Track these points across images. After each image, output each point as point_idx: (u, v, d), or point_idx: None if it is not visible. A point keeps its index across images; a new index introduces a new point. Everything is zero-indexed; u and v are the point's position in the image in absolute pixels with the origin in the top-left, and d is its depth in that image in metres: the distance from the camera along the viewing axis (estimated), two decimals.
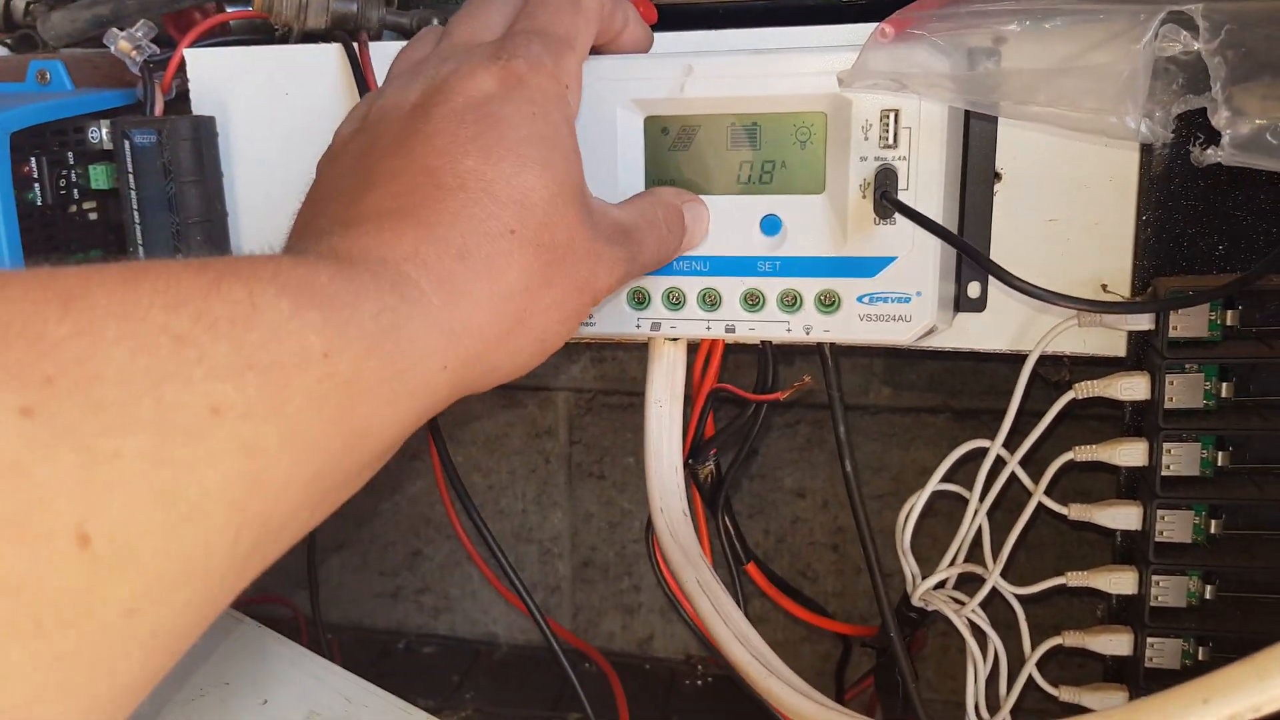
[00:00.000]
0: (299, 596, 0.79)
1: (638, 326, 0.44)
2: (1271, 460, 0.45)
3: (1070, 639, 0.48)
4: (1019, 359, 0.46)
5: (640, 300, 0.44)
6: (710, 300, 0.43)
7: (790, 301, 0.42)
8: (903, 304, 0.41)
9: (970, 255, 0.37)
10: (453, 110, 0.33)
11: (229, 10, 0.53)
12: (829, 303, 0.42)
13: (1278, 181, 0.42)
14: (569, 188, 0.33)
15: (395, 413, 0.27)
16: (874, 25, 0.41)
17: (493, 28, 0.38)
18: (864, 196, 0.40)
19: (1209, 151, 0.32)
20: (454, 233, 0.30)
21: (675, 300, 0.44)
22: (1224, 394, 0.43)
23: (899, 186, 0.39)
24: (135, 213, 0.50)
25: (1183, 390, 0.43)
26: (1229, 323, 0.42)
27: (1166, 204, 0.43)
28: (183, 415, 0.21)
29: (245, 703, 0.39)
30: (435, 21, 0.51)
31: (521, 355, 0.33)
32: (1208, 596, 0.45)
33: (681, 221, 0.41)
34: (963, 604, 0.49)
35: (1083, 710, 0.48)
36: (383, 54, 0.49)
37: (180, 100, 0.53)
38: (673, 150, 0.43)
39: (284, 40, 0.51)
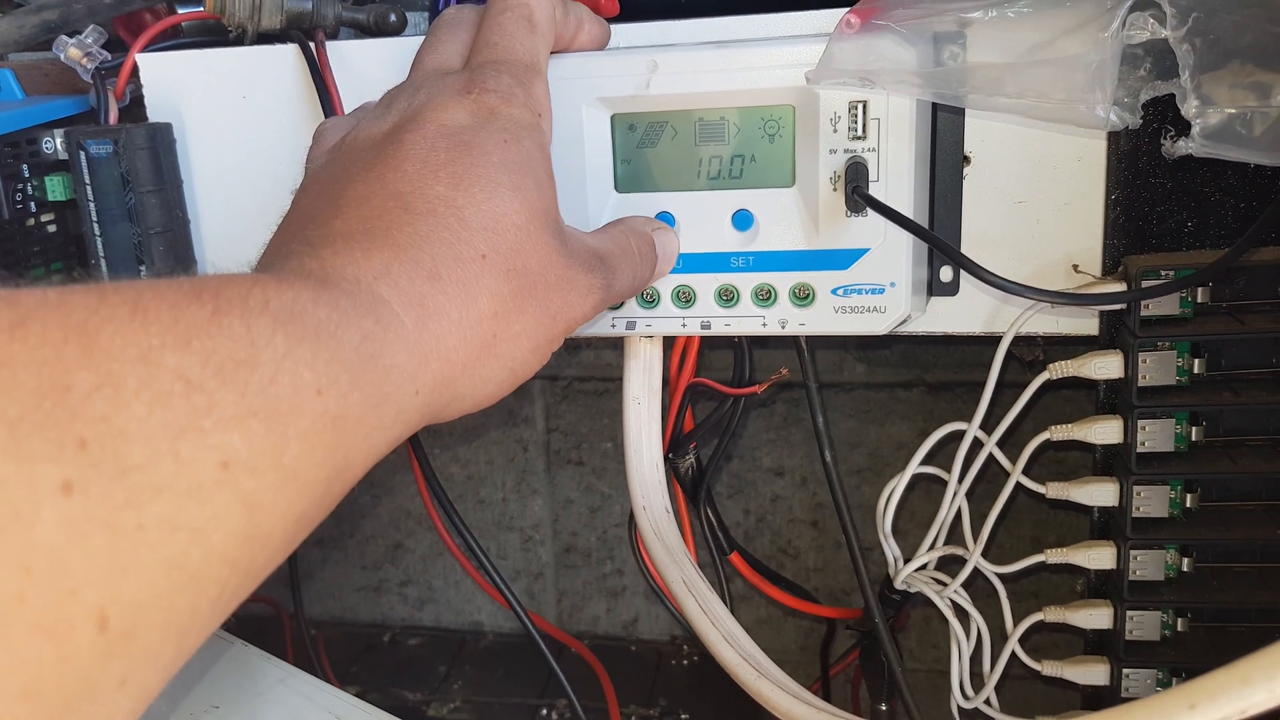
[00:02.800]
0: (281, 593, 0.79)
1: (613, 326, 0.44)
2: (1244, 433, 0.45)
3: (1051, 614, 0.49)
4: (992, 339, 0.46)
5: None
6: (684, 297, 0.43)
7: (765, 296, 0.42)
8: (877, 295, 0.41)
9: (944, 251, 0.37)
10: (424, 137, 0.33)
11: (180, 12, 0.51)
12: (804, 296, 0.42)
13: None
14: (541, 214, 0.33)
15: (372, 444, 0.27)
16: (839, 11, 0.41)
17: (457, 54, 0.38)
18: (835, 189, 0.40)
19: (1180, 143, 0.32)
20: (424, 255, 0.30)
21: (650, 299, 0.43)
22: (1197, 370, 0.43)
23: (869, 179, 0.39)
24: (95, 225, 0.49)
25: (1156, 367, 0.44)
26: (1200, 300, 0.43)
27: (1135, 183, 0.44)
28: (196, 473, 0.21)
29: None
30: (392, 17, 0.50)
31: (489, 385, 0.32)
32: (1185, 569, 0.46)
33: (653, 250, 0.41)
34: (945, 585, 0.49)
35: (1066, 684, 0.49)
36: (339, 53, 0.48)
37: (135, 105, 0.51)
38: (641, 147, 0.42)
39: (238, 42, 0.50)
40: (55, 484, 0.18)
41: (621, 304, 0.44)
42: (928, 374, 0.70)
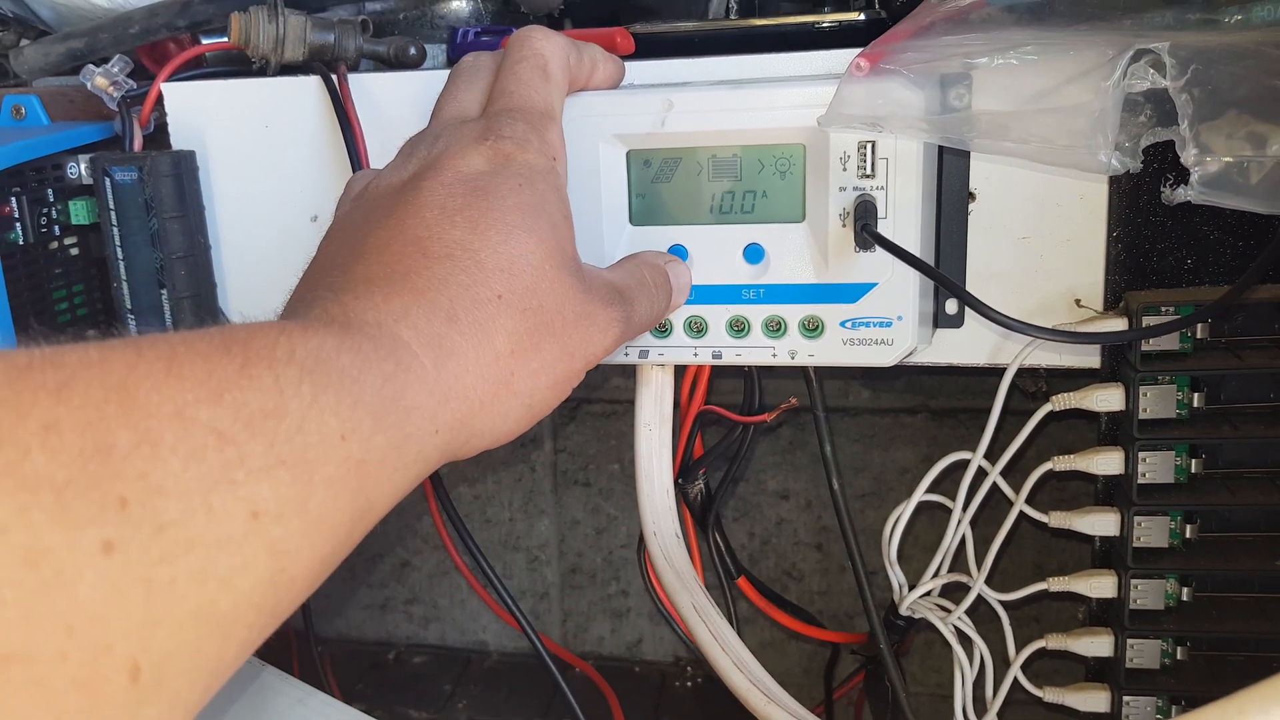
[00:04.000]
0: None
1: (626, 355, 0.45)
2: (1243, 466, 0.46)
3: (1053, 642, 0.49)
4: (996, 370, 0.47)
5: None
6: (696, 328, 0.44)
7: (775, 327, 0.43)
8: (884, 328, 0.42)
9: (949, 289, 0.38)
10: (442, 184, 0.34)
11: (204, 42, 0.53)
12: (813, 328, 0.43)
13: None
14: (557, 254, 0.34)
15: (394, 485, 0.28)
16: (849, 51, 0.42)
17: (475, 102, 0.39)
18: (844, 225, 0.41)
19: (1179, 190, 0.33)
20: (442, 297, 0.31)
21: (662, 329, 0.44)
22: (1196, 404, 0.44)
23: (878, 216, 0.40)
24: (118, 249, 0.50)
25: (1156, 401, 0.45)
26: (1200, 335, 0.44)
27: (1136, 221, 0.45)
28: (227, 525, 0.22)
29: None
30: (412, 50, 0.51)
31: (507, 421, 0.33)
32: (1185, 598, 0.47)
33: (667, 281, 0.42)
34: (949, 611, 0.50)
35: (1067, 710, 0.50)
36: (361, 85, 0.49)
37: (158, 133, 0.53)
38: (655, 182, 0.43)
39: (261, 73, 0.51)
40: (98, 545, 0.19)
41: None
42: (931, 400, 0.71)
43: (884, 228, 0.40)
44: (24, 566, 0.18)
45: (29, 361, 0.20)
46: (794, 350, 0.43)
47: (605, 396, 0.76)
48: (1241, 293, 0.41)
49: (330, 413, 0.25)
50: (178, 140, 0.52)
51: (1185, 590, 0.47)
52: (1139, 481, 0.45)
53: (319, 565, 0.25)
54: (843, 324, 0.42)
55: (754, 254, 0.43)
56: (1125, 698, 0.48)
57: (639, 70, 0.45)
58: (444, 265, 0.32)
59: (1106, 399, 0.45)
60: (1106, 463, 0.46)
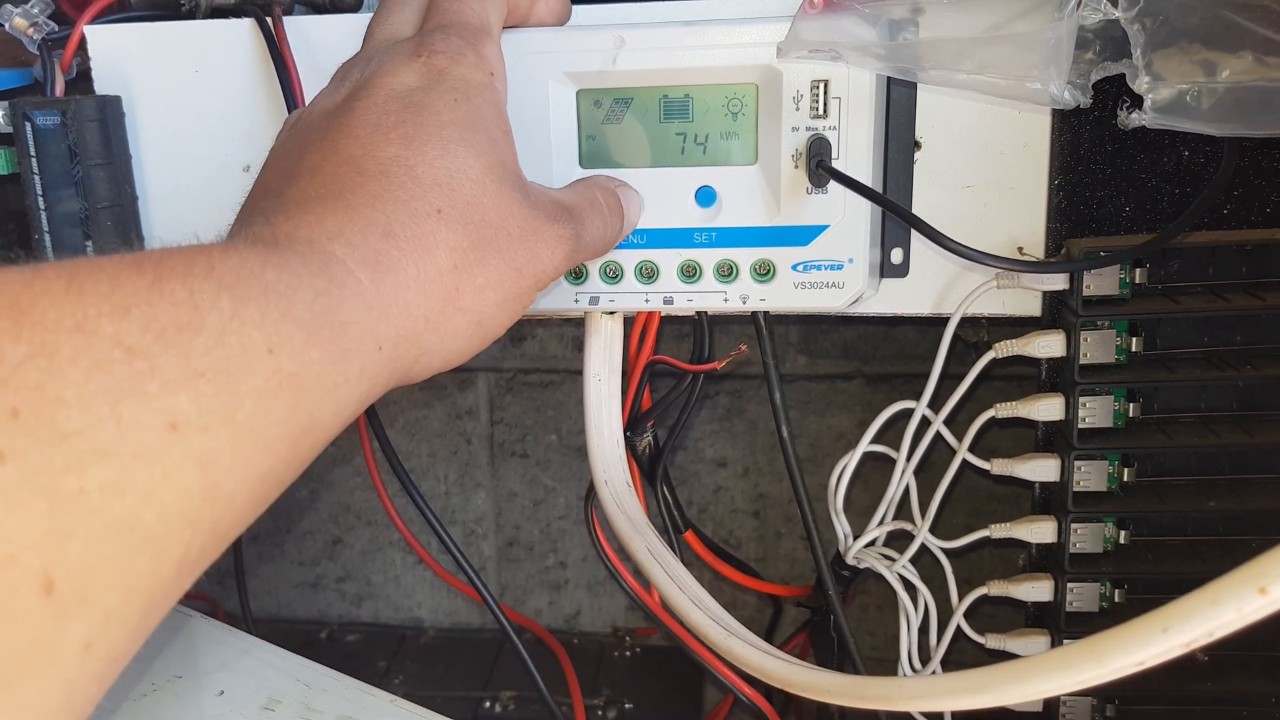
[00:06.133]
0: (215, 590, 0.77)
1: (576, 301, 0.44)
2: (1177, 410, 0.48)
3: (995, 588, 0.50)
4: (929, 324, 0.47)
5: (578, 275, 0.44)
6: (647, 273, 0.44)
7: (726, 272, 0.43)
8: (836, 271, 0.42)
9: (905, 218, 0.39)
10: (375, 103, 0.33)
11: None
12: (764, 272, 0.43)
13: (1179, 146, 0.45)
14: (498, 169, 0.33)
15: (337, 401, 0.27)
16: None
17: (408, 24, 0.38)
18: (796, 166, 0.41)
19: (1134, 115, 0.34)
20: (377, 214, 0.30)
21: (613, 274, 0.44)
22: (1134, 348, 0.45)
23: (831, 155, 0.40)
24: (39, 198, 0.47)
25: (1096, 346, 0.46)
26: (1138, 280, 0.45)
27: (1077, 168, 0.46)
28: (142, 436, 0.21)
29: (200, 696, 0.38)
30: None
31: (457, 339, 0.32)
32: (1122, 541, 0.48)
33: (619, 204, 0.41)
34: (893, 560, 0.50)
35: (1010, 656, 0.50)
36: (297, 28, 0.48)
37: (80, 80, 0.50)
38: (606, 123, 0.43)
39: (191, 15, 0.49)
40: None
41: (585, 277, 0.44)
42: (866, 366, 0.71)
43: (836, 168, 0.40)
44: None
45: None
46: (745, 295, 0.43)
47: (542, 366, 0.75)
48: (1176, 235, 0.42)
49: (253, 326, 0.24)
50: (102, 87, 0.50)
51: (1123, 534, 0.48)
52: (1079, 426, 0.46)
53: (259, 482, 0.25)
54: (794, 267, 0.42)
55: (706, 197, 0.43)
56: (1065, 641, 0.49)
57: (588, 13, 0.44)
58: (379, 182, 0.31)
59: (1048, 345, 0.46)
60: (1048, 408, 0.47)
